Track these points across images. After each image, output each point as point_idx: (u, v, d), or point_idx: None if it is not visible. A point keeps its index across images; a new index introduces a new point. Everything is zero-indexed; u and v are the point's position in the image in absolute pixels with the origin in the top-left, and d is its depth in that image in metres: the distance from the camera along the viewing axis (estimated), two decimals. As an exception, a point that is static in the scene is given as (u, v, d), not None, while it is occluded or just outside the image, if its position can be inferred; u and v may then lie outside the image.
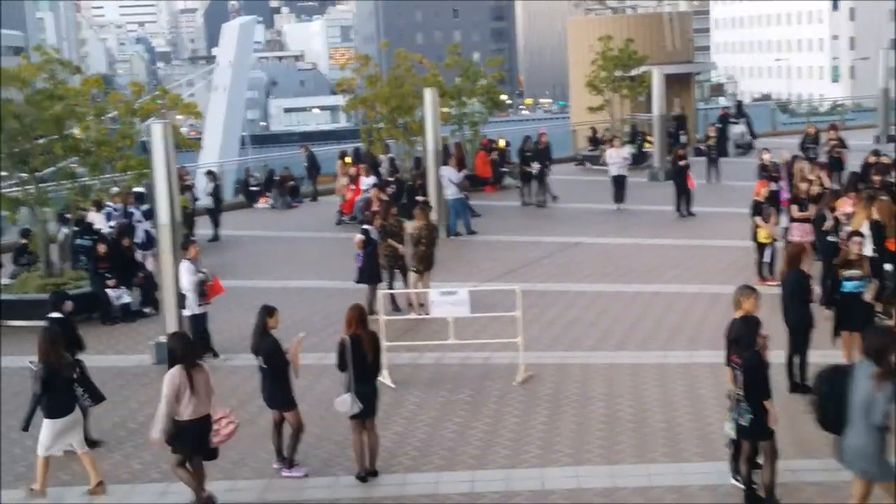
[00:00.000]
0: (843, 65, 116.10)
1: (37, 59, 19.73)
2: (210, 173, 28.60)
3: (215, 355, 15.90)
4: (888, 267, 14.55)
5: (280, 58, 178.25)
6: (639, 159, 33.40)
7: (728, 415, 10.22)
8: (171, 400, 10.24)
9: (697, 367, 14.30)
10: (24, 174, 19.60)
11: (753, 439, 10.04)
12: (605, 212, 27.55)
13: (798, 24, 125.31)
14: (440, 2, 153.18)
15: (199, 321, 15.78)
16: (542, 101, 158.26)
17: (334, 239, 25.57)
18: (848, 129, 38.65)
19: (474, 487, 10.92)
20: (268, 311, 11.37)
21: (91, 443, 12.29)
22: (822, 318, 13.21)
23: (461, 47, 37.12)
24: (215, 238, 26.20)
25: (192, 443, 10.39)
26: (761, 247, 18.47)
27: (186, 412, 10.28)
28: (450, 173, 25.11)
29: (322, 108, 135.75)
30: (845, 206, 17.28)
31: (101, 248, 19.16)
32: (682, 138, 35.33)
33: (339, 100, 55.03)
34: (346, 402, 10.96)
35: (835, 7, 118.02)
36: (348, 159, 30.81)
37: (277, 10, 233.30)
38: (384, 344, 12.93)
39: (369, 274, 17.60)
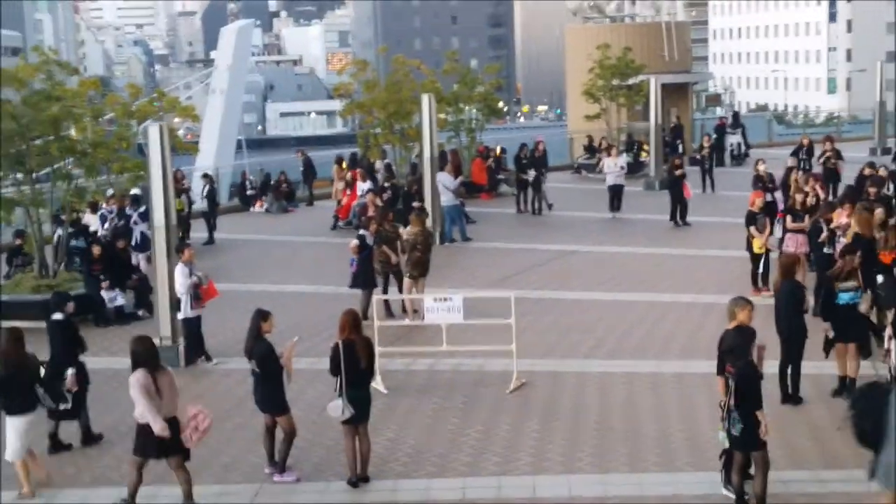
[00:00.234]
0: (840, 76, 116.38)
1: (34, 60, 19.74)
2: (206, 176, 28.60)
3: (209, 359, 15.89)
4: (879, 278, 14.55)
5: (278, 62, 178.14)
6: (635, 168, 33.42)
7: (721, 424, 10.23)
8: (147, 395, 10.14)
9: (691, 376, 14.30)
10: (19, 175, 19.58)
11: (745, 450, 10.05)
12: (601, 220, 27.56)
13: (796, 35, 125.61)
14: (439, 7, 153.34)
15: (192, 324, 15.77)
16: (539, 108, 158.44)
17: (329, 244, 25.56)
18: (844, 140, 38.74)
19: (465, 494, 10.91)
20: (262, 315, 11.35)
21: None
22: (821, 329, 13.21)
23: (459, 53, 37.25)
24: (210, 241, 26.19)
25: (158, 446, 10.29)
26: (756, 257, 18.49)
27: None
28: (445, 180, 25.13)
29: (319, 112, 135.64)
30: (840, 217, 17.30)
31: (96, 250, 19.14)
32: (679, 148, 35.41)
33: (337, 105, 54.99)
34: (339, 408, 10.95)
35: (832, 19, 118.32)
36: (344, 164, 30.83)
37: (276, 14, 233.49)
38: (378, 349, 12.92)
39: (364, 279, 17.60)
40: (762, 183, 22.20)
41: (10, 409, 11.04)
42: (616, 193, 27.82)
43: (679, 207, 26.00)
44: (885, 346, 12.74)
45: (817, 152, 28.84)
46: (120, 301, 18.85)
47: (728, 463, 10.38)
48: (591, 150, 36.73)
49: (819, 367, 13.61)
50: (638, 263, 22.21)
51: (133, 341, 10.73)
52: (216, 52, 63.65)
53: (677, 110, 39.77)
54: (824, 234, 16.99)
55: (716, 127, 38.63)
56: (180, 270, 15.56)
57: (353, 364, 10.96)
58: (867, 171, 22.54)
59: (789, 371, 13.04)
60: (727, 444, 10.18)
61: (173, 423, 10.33)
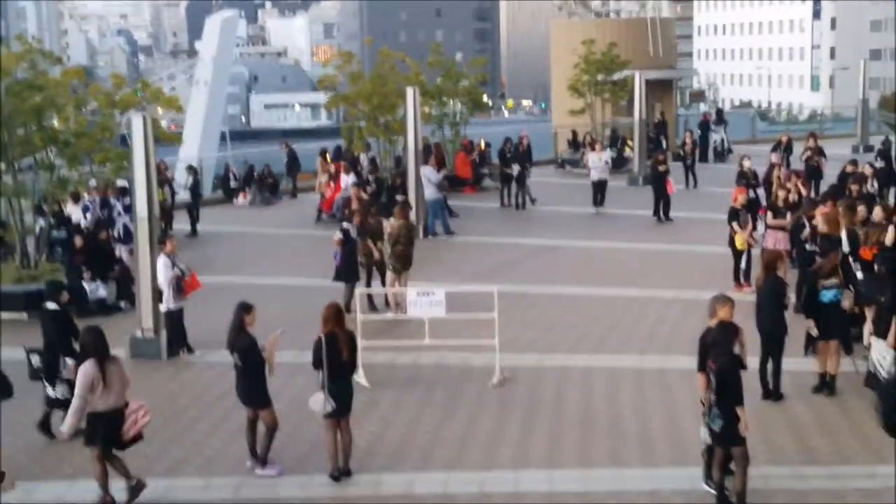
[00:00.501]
0: (824, 74, 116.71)
1: (17, 49, 19.60)
2: (190, 168, 28.49)
3: (191, 351, 15.85)
4: (860, 275, 14.63)
5: (262, 53, 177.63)
6: (618, 163, 33.48)
7: (703, 420, 10.28)
8: (86, 394, 10.28)
9: (673, 371, 14.35)
10: (1, 164, 19.45)
11: (726, 445, 10.10)
12: (584, 215, 27.61)
13: (780, 32, 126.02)
14: (424, 1, 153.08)
15: (175, 316, 15.73)
16: (523, 102, 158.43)
17: (313, 236, 25.52)
18: (827, 138, 38.87)
19: (448, 488, 10.93)
20: (245, 308, 11.33)
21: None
22: (805, 326, 13.28)
23: (444, 47, 37.14)
24: (193, 233, 26.11)
25: (106, 435, 10.41)
26: (738, 253, 18.57)
27: (101, 405, 10.34)
28: (429, 173, 25.12)
29: (303, 104, 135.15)
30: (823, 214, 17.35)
31: (78, 241, 19.04)
32: (663, 144, 35.47)
33: (321, 97, 54.87)
34: (320, 402, 10.94)
35: (816, 16, 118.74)
36: (328, 157, 30.74)
37: (261, 5, 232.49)
38: (361, 343, 12.91)
39: (347, 272, 17.58)
40: (746, 179, 22.27)
41: None
42: (600, 188, 27.87)
43: (662, 203, 26.07)
44: (866, 342, 12.82)
45: (797, 150, 28.94)
46: (102, 293, 18.76)
47: (710, 458, 10.43)
48: (575, 145, 36.79)
49: (800, 364, 13.70)
50: (621, 259, 22.26)
51: (83, 332, 10.88)
52: (200, 42, 63.34)
53: (661, 106, 39.83)
54: (806, 232, 17.07)
55: (699, 123, 38.72)
56: (163, 262, 15.51)
57: (336, 357, 10.95)
58: (849, 169, 22.66)
59: (770, 367, 13.11)
60: (709, 440, 10.23)
61: (120, 413, 10.46)
